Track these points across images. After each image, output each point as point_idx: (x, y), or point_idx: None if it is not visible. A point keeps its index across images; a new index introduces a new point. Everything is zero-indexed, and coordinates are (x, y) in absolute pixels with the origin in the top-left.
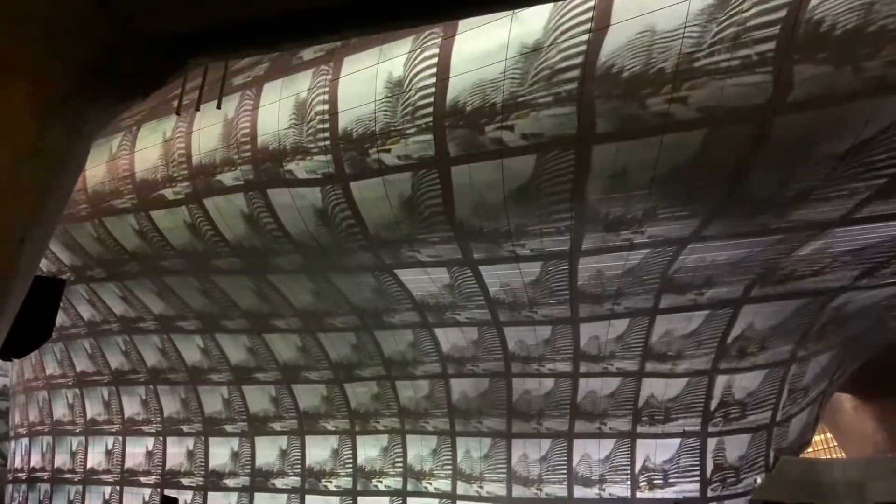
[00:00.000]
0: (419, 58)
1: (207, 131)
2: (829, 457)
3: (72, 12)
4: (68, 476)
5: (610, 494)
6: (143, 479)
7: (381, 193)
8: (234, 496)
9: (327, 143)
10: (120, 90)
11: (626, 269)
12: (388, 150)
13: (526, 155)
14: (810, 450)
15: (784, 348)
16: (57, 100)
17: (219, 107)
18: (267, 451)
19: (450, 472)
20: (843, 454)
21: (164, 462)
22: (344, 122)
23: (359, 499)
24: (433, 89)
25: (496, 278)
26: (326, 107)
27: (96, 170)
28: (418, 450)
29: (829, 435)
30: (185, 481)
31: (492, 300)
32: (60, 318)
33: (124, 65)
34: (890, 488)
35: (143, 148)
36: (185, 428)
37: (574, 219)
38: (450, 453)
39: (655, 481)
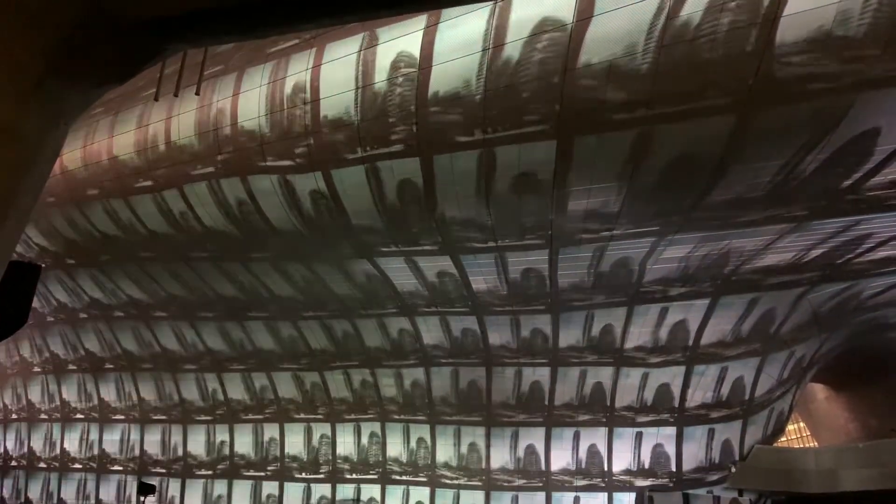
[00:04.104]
0: (401, 46)
1: (186, 117)
2: (802, 446)
3: None
4: (43, 463)
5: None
6: (119, 467)
7: (362, 181)
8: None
9: (308, 130)
10: (97, 74)
11: (604, 262)
12: (369, 139)
13: (507, 145)
14: (784, 439)
15: (759, 339)
16: (32, 83)
17: (197, 92)
18: (245, 440)
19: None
20: (816, 443)
21: (141, 449)
22: (325, 109)
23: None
24: (415, 78)
25: (478, 271)
26: (307, 94)
27: (73, 154)
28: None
29: (802, 424)
30: (161, 469)
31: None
32: (36, 304)
33: (100, 48)
34: (861, 477)
35: (121, 133)
36: (161, 416)
37: (554, 211)
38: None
39: (632, 471)
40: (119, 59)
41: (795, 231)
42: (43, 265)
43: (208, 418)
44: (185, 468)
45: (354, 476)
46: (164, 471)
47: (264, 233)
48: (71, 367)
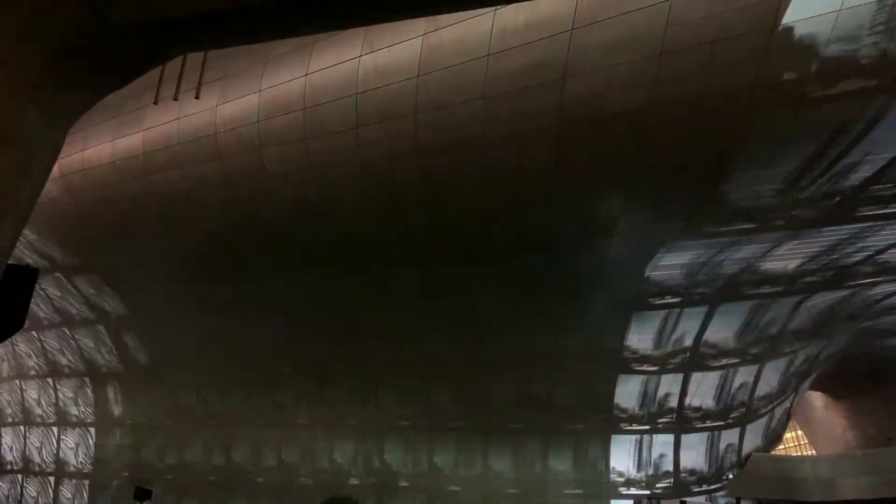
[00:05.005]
0: (400, 51)
1: (186, 121)
2: (799, 454)
3: None
4: (40, 468)
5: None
6: (115, 472)
7: (362, 186)
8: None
9: (307, 135)
10: (96, 77)
11: (602, 268)
12: (369, 143)
13: (507, 150)
14: (781, 447)
15: (758, 346)
16: (31, 86)
17: (197, 96)
18: (241, 448)
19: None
20: (814, 451)
21: (138, 456)
22: (324, 114)
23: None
24: (414, 83)
25: (478, 277)
26: (306, 99)
27: (72, 157)
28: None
29: (800, 432)
30: (159, 475)
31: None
32: (33, 308)
33: (100, 51)
34: (858, 485)
35: (120, 136)
36: (160, 422)
37: (555, 213)
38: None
39: (630, 478)
40: (118, 62)
41: (795, 238)
42: (40, 268)
43: (207, 424)
44: (183, 476)
45: (354, 483)
46: (161, 477)
47: (264, 238)
48: (67, 371)
